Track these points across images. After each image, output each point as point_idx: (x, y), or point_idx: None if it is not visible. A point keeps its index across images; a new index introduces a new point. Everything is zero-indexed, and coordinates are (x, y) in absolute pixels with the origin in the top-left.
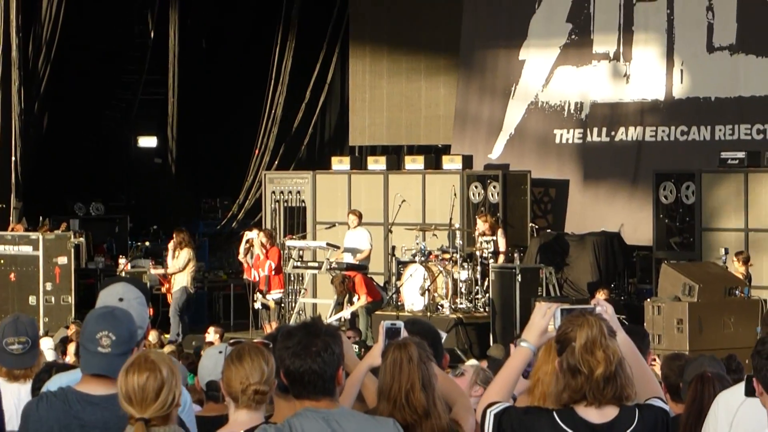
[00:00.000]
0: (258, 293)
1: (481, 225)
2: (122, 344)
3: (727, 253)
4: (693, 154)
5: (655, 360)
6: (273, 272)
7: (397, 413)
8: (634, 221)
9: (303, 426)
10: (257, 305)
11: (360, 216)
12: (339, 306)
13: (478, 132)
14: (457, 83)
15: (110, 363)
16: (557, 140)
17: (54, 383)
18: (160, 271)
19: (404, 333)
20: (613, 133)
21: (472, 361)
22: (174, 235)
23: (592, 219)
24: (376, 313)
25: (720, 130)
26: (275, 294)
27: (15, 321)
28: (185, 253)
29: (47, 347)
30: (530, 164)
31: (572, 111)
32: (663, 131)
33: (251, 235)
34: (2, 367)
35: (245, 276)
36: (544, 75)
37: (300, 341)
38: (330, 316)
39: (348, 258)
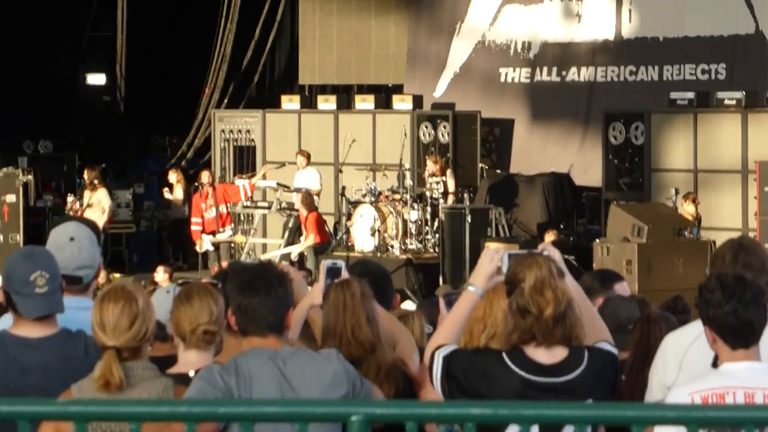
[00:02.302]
0: (206, 236)
1: (431, 166)
2: (54, 280)
3: (677, 193)
4: (642, 95)
5: None
6: (226, 210)
7: (343, 348)
8: (584, 162)
9: (249, 364)
10: (205, 247)
11: (308, 156)
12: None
13: (427, 71)
14: (409, 21)
15: (51, 301)
16: (502, 79)
17: (2, 324)
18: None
19: (345, 272)
20: (564, 72)
21: (408, 303)
22: (86, 173)
23: (539, 159)
24: (327, 254)
25: (668, 70)
26: (227, 231)
27: None
28: (103, 194)
29: None
30: (475, 103)
31: (519, 50)
32: (613, 71)
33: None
34: None
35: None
36: (492, 13)
37: (255, 274)
38: (278, 258)
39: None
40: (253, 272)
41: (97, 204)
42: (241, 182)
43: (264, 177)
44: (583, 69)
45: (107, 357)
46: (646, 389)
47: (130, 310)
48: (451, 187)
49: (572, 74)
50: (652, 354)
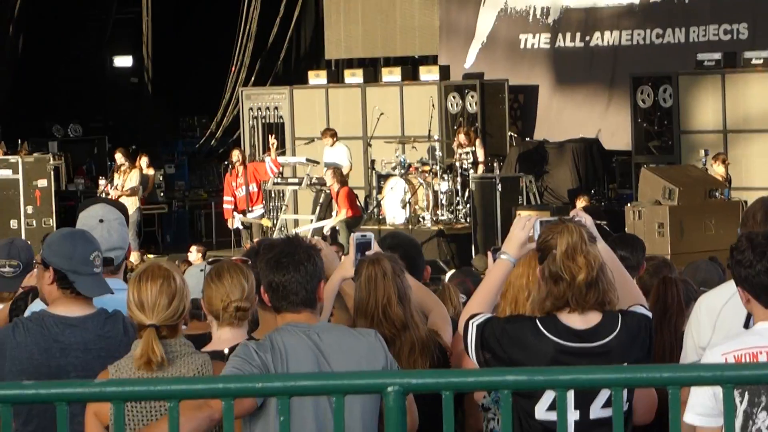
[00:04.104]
0: (237, 214)
1: (461, 138)
2: (101, 262)
3: (707, 154)
4: (667, 57)
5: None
6: (258, 188)
7: (375, 328)
8: (610, 126)
9: (284, 340)
10: (236, 225)
11: (334, 134)
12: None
13: (457, 42)
14: None
15: (104, 282)
16: (522, 45)
17: (36, 307)
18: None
19: (374, 244)
20: (587, 38)
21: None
22: (117, 156)
23: (565, 124)
24: (359, 228)
25: (694, 31)
26: (258, 209)
27: (9, 244)
28: (136, 175)
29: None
30: (501, 71)
31: (538, 16)
32: (638, 35)
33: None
34: None
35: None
36: None
37: (282, 252)
38: (310, 232)
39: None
40: (280, 249)
41: (134, 184)
42: (267, 159)
43: (277, 150)
44: (607, 33)
45: (148, 335)
46: (664, 348)
47: (168, 288)
48: (481, 157)
49: (596, 39)
50: (669, 314)
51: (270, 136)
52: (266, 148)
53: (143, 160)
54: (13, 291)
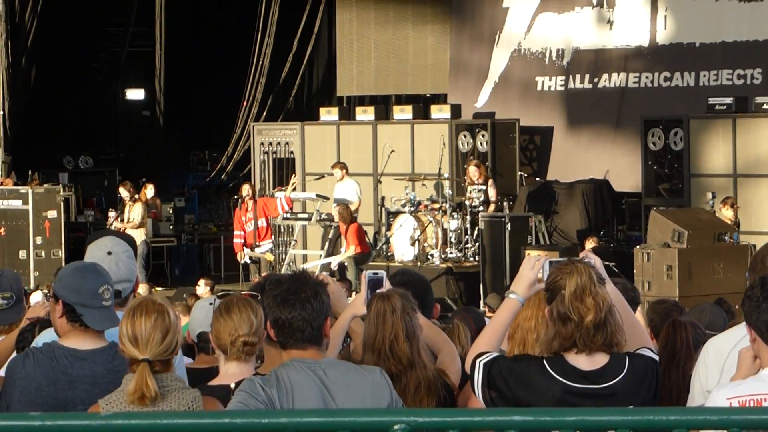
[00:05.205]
0: (246, 249)
1: (474, 171)
2: (112, 295)
3: (714, 197)
4: (676, 100)
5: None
6: (266, 223)
7: (381, 364)
8: (618, 168)
9: (289, 376)
10: (245, 260)
11: (345, 168)
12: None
13: (469, 81)
14: (450, 31)
15: (113, 315)
16: (539, 87)
17: (43, 339)
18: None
19: (386, 282)
20: (596, 79)
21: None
22: (120, 190)
23: (576, 166)
24: (367, 264)
25: (704, 75)
26: (266, 244)
27: None
28: (140, 208)
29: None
30: (514, 112)
31: (554, 58)
32: (646, 77)
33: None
34: None
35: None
36: (527, 22)
37: (289, 288)
38: (318, 268)
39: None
40: (287, 286)
41: (137, 218)
42: (279, 195)
43: (294, 188)
44: (615, 75)
45: (142, 370)
46: (672, 391)
47: (162, 322)
48: (492, 197)
49: (604, 80)
50: (677, 358)
51: (292, 175)
52: (281, 183)
53: (149, 189)
54: (8, 324)
